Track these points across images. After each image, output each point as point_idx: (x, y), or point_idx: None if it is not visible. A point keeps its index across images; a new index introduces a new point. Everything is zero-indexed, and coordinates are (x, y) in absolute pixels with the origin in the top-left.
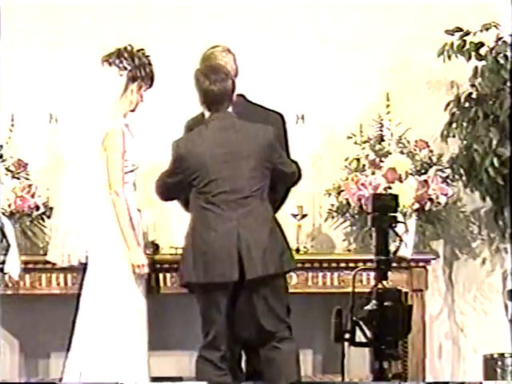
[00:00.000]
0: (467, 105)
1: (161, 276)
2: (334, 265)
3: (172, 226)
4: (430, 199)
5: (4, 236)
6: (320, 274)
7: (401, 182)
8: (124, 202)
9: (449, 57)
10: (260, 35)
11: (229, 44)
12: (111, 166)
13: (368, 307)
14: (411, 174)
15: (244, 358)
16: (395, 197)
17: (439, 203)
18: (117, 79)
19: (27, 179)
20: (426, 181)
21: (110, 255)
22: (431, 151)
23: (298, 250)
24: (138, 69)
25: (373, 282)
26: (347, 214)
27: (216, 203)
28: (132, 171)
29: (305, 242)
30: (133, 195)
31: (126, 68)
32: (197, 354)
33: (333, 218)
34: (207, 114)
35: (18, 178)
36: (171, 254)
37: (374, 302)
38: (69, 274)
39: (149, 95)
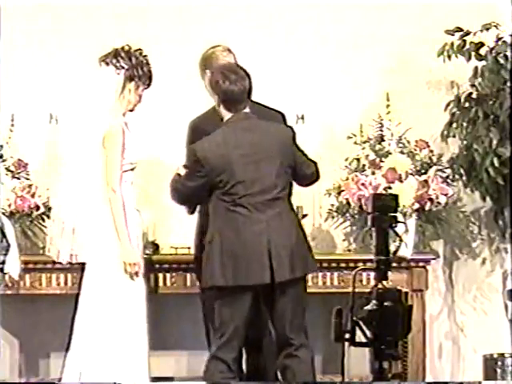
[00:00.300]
0: (467, 105)
1: (161, 276)
2: (334, 265)
3: (172, 226)
4: (430, 199)
5: (4, 236)
6: (320, 274)
7: (401, 182)
8: (120, 199)
9: (449, 57)
10: (260, 35)
11: (229, 44)
12: (109, 163)
13: (368, 307)
14: (411, 173)
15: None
16: (395, 197)
17: (439, 203)
18: (114, 78)
19: (27, 179)
20: (426, 181)
21: (108, 254)
22: (431, 151)
23: None
24: (135, 68)
25: (373, 282)
26: (347, 214)
27: (244, 205)
28: (132, 170)
29: None
30: (131, 194)
31: (123, 67)
32: (210, 353)
33: (333, 217)
34: (227, 114)
35: (18, 178)
36: (171, 254)
37: (373, 302)
38: (69, 274)
39: (149, 95)
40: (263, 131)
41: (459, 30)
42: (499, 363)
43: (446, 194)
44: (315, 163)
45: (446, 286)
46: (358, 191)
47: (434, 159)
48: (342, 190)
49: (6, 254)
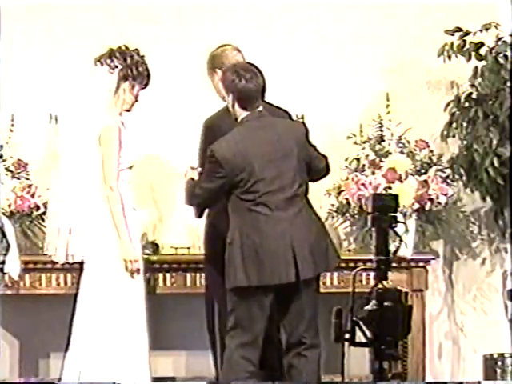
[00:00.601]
0: (467, 105)
1: (160, 276)
2: None
3: (172, 226)
4: (430, 199)
5: (4, 236)
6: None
7: (401, 182)
8: (118, 197)
9: (449, 57)
10: (260, 35)
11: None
12: (106, 161)
13: (368, 307)
14: (411, 174)
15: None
16: (395, 197)
17: (439, 203)
18: (108, 78)
19: (27, 179)
20: (425, 181)
21: (106, 253)
22: (431, 151)
23: None
24: (130, 68)
25: (373, 282)
26: (347, 214)
27: (265, 203)
28: (130, 168)
29: None
30: (129, 193)
31: (116, 67)
32: (233, 353)
33: (333, 217)
34: (242, 113)
35: (18, 178)
36: (171, 254)
37: (373, 302)
38: (69, 274)
39: (148, 95)
40: (279, 129)
41: (459, 30)
42: (499, 363)
43: (445, 194)
44: (325, 157)
45: (446, 286)
46: (358, 191)
47: (434, 159)
48: (342, 190)
49: (6, 254)
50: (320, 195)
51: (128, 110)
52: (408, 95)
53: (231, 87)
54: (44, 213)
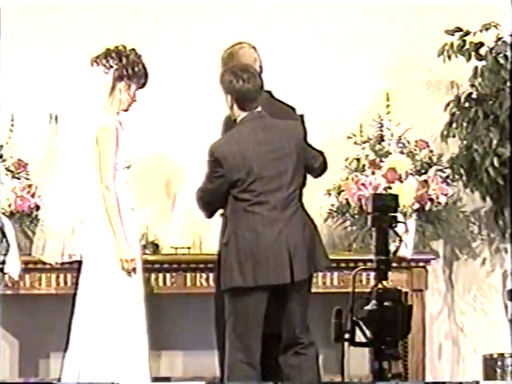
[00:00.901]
0: (467, 105)
1: (160, 276)
2: (333, 265)
3: (172, 226)
4: (430, 199)
5: (4, 236)
6: (320, 274)
7: (401, 182)
8: (114, 196)
9: (449, 57)
10: (260, 35)
11: (229, 44)
12: (103, 160)
13: (368, 307)
14: (411, 174)
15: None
16: (395, 197)
17: (439, 203)
18: (103, 78)
19: (27, 179)
20: (425, 181)
21: (103, 252)
22: (431, 151)
23: None
24: (125, 68)
25: (373, 282)
26: (347, 214)
27: (261, 203)
28: (128, 167)
29: None
30: (126, 193)
31: (111, 66)
32: (232, 357)
33: (333, 217)
34: (240, 114)
35: (18, 178)
36: (171, 254)
37: (373, 302)
38: (69, 274)
39: (148, 95)
40: (278, 129)
41: (459, 30)
42: (499, 363)
43: (446, 194)
44: (322, 153)
45: (446, 286)
46: (358, 191)
47: (434, 159)
48: (342, 190)
49: (6, 254)
50: (320, 195)
51: (125, 110)
52: (408, 95)
53: (229, 88)
54: None
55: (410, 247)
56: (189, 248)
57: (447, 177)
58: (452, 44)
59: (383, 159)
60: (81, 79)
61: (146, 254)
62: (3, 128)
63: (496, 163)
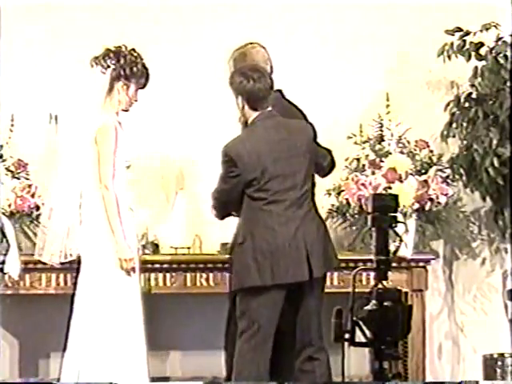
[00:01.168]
0: (467, 105)
1: (160, 276)
2: None
3: (172, 226)
4: (430, 199)
5: (4, 236)
6: None
7: (401, 182)
8: (113, 195)
9: (449, 57)
10: (260, 35)
11: (229, 44)
12: (102, 159)
13: (368, 307)
14: (411, 174)
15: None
16: (395, 197)
17: (439, 203)
18: (101, 77)
19: (27, 179)
20: (425, 181)
21: (102, 252)
22: (431, 151)
23: None
24: (123, 68)
25: (373, 282)
26: (347, 214)
27: (277, 202)
28: (128, 167)
29: None
30: (126, 193)
31: (109, 66)
32: (240, 354)
33: (333, 218)
34: (252, 114)
35: (18, 178)
36: (171, 254)
37: (373, 302)
38: (69, 274)
39: (148, 95)
40: (290, 128)
41: (459, 30)
42: (499, 363)
43: (446, 194)
44: (330, 151)
45: (446, 286)
46: (358, 191)
47: (434, 159)
48: (342, 190)
49: (5, 254)
50: (320, 195)
51: (126, 110)
52: (408, 95)
53: (240, 89)
54: None
55: (410, 247)
56: (189, 248)
57: (447, 177)
58: (452, 44)
59: (383, 159)
60: (81, 79)
61: (145, 254)
62: (3, 128)
63: (496, 163)
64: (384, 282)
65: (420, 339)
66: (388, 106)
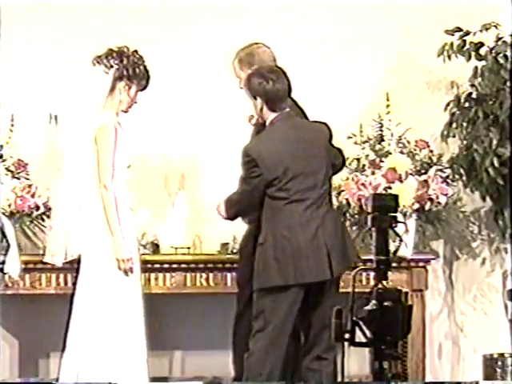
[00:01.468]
0: (467, 105)
1: (160, 276)
2: None
3: (172, 226)
4: (430, 199)
5: (4, 236)
6: None
7: (401, 182)
8: (112, 195)
9: (449, 57)
10: (260, 35)
11: (228, 44)
12: (101, 159)
13: (368, 307)
14: (411, 174)
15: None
16: (395, 197)
17: (439, 203)
18: (103, 77)
19: (27, 179)
20: (426, 181)
21: (101, 252)
22: (431, 151)
23: None
24: (126, 68)
25: (373, 282)
26: (347, 214)
27: (298, 201)
28: (128, 167)
29: None
30: (125, 193)
31: (112, 66)
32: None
33: None
34: (270, 115)
35: (18, 178)
36: (171, 254)
37: (373, 301)
38: (69, 274)
39: (148, 95)
40: (308, 129)
41: (459, 30)
42: (499, 363)
43: (445, 194)
44: (341, 151)
45: (446, 285)
46: (358, 191)
47: (434, 159)
48: (342, 190)
49: (5, 254)
50: None
51: (125, 111)
52: (408, 95)
53: (259, 90)
54: (44, 213)
55: (410, 247)
56: (189, 248)
57: (447, 177)
58: (452, 44)
59: (383, 159)
60: (81, 79)
61: (145, 254)
62: (3, 128)
63: (496, 163)
64: (384, 282)
65: (420, 339)
66: (388, 106)
